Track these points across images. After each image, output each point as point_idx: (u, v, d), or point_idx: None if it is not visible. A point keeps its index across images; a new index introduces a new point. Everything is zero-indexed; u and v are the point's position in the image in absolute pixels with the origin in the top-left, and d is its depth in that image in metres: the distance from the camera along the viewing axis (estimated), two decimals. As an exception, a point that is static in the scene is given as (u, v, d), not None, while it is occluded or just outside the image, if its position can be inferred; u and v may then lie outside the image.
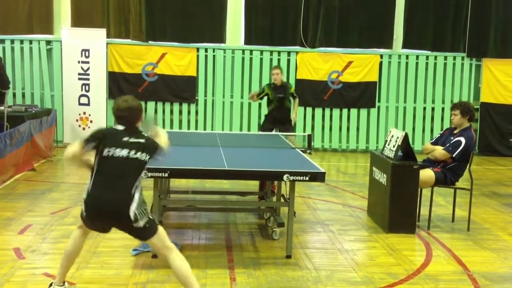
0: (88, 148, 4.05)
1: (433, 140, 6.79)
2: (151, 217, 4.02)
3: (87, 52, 11.48)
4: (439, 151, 6.38)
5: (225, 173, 5.12)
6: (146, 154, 4.04)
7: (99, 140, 4.05)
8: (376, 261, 5.32)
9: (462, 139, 6.31)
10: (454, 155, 6.27)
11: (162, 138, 4.27)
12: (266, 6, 12.28)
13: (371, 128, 12.74)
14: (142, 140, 4.06)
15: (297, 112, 8.95)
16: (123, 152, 3.97)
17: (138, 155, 3.99)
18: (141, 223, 3.91)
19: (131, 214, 3.86)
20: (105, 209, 3.94)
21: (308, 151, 6.51)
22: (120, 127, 4.11)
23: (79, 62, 11.51)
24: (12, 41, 11.92)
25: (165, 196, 6.64)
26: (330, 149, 12.76)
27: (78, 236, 4.21)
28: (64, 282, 4.25)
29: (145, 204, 4.02)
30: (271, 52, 12.40)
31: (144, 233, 3.99)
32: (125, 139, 4.01)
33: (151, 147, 4.09)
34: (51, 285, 4.24)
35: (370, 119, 12.73)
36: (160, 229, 4.07)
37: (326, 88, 12.50)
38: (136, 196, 3.92)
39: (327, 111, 12.64)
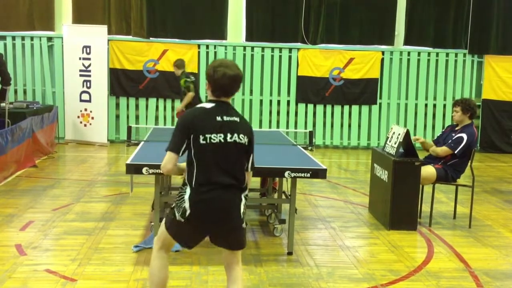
0: (182, 153, 3.42)
1: (434, 139, 6.79)
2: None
3: (88, 49, 11.47)
4: (441, 148, 6.38)
5: (227, 170, 5.11)
6: (245, 136, 3.44)
7: (189, 132, 3.36)
8: (378, 258, 5.32)
9: (464, 136, 6.30)
10: (456, 152, 6.26)
11: None
12: (267, 2, 12.27)
13: (372, 125, 12.73)
14: (236, 119, 3.45)
15: (182, 106, 9.27)
16: (225, 137, 3.36)
17: (239, 138, 3.41)
18: (243, 223, 3.51)
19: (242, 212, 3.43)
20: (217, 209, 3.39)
21: (310, 148, 6.51)
22: (210, 105, 3.43)
23: (80, 58, 11.51)
24: (14, 38, 11.91)
25: (167, 193, 6.64)
26: (332, 146, 12.76)
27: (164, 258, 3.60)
28: None
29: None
30: (272, 48, 12.38)
31: (243, 236, 3.58)
32: (219, 118, 3.38)
33: (248, 129, 3.51)
34: None
35: (371, 115, 12.72)
36: None
37: (328, 84, 12.49)
38: (245, 192, 3.49)
39: (329, 107, 12.63)
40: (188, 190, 3.37)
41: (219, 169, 3.35)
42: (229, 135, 3.36)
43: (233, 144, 3.38)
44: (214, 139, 3.33)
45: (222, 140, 3.34)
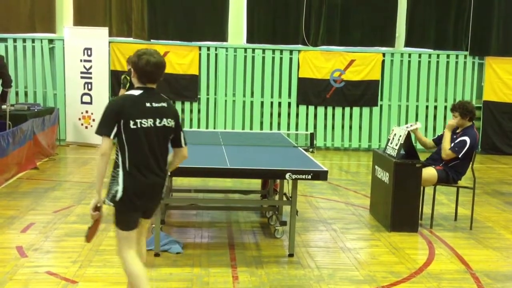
0: (113, 136, 3.54)
1: (435, 138, 6.79)
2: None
3: (89, 51, 11.48)
4: (445, 153, 6.35)
5: (228, 172, 5.13)
6: (171, 120, 3.68)
7: (119, 117, 3.52)
8: (379, 259, 5.32)
9: (467, 139, 6.28)
10: (460, 155, 6.24)
11: None
12: (268, 4, 12.27)
13: (373, 126, 12.73)
14: (164, 105, 3.68)
15: None
16: (153, 121, 3.58)
17: (167, 121, 3.64)
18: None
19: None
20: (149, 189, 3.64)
21: (311, 150, 6.51)
22: (137, 92, 3.63)
23: (81, 60, 11.52)
24: (15, 40, 11.93)
25: (168, 195, 6.64)
26: (333, 148, 12.76)
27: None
28: None
29: None
30: (273, 50, 12.39)
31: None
32: (148, 104, 3.60)
33: (174, 112, 3.74)
34: None
35: (372, 117, 12.71)
36: None
37: (329, 86, 12.49)
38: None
39: (330, 109, 12.63)
40: (121, 173, 3.57)
41: (150, 152, 3.58)
42: (158, 120, 3.61)
43: (162, 128, 3.63)
44: (144, 124, 3.55)
45: (152, 125, 3.58)
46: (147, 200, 3.66)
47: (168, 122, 3.65)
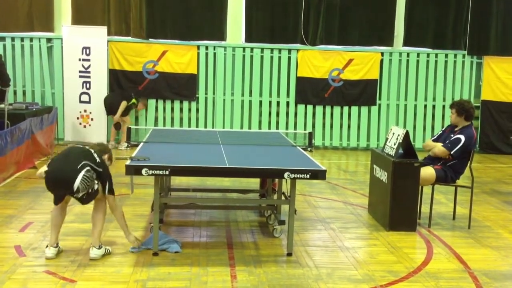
0: None
1: (434, 137, 6.80)
2: (91, 190, 4.87)
3: (87, 50, 11.48)
4: (438, 148, 6.39)
5: (226, 171, 5.13)
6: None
7: None
8: (377, 259, 5.32)
9: (462, 137, 6.31)
10: (452, 152, 6.27)
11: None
12: (267, 3, 12.27)
13: (372, 126, 12.74)
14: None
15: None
16: None
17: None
18: (80, 195, 4.80)
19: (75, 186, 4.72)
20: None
21: (309, 149, 6.51)
22: None
23: (79, 59, 11.50)
24: (13, 39, 11.91)
25: (166, 194, 6.64)
26: (331, 147, 12.76)
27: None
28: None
29: (92, 180, 4.81)
30: (272, 49, 12.39)
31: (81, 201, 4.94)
32: None
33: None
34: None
35: (371, 117, 12.72)
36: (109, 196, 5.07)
37: (327, 85, 12.49)
38: (83, 171, 4.75)
39: (328, 108, 12.63)
40: None
41: None
42: None
43: None
44: None
45: None
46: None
47: None
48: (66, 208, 5.16)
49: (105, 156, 5.25)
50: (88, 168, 4.81)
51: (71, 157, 4.92)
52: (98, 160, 4.99)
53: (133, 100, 11.62)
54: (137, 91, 12.01)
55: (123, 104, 11.35)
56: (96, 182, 4.91)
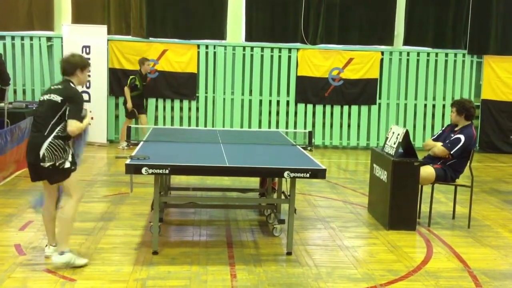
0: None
1: (434, 137, 6.80)
2: (59, 164, 4.58)
3: (87, 49, 11.47)
4: (438, 147, 6.40)
5: (226, 170, 5.13)
6: (60, 97, 4.61)
7: None
8: (377, 258, 5.33)
9: (462, 137, 6.32)
10: (452, 152, 6.27)
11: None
12: (267, 2, 12.26)
13: (371, 125, 12.74)
14: (61, 86, 4.72)
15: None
16: (45, 96, 4.67)
17: (53, 97, 4.62)
18: (46, 164, 4.54)
19: (41, 153, 4.51)
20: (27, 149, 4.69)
21: (309, 148, 6.51)
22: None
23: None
24: (13, 38, 11.91)
25: (166, 193, 6.64)
26: (331, 146, 12.76)
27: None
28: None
29: (62, 152, 4.58)
30: (272, 49, 12.39)
31: (49, 175, 4.65)
32: (53, 87, 4.76)
33: (66, 93, 4.65)
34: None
35: (371, 116, 12.72)
36: (76, 183, 4.78)
37: (327, 85, 12.49)
38: (50, 138, 4.53)
39: (328, 108, 12.63)
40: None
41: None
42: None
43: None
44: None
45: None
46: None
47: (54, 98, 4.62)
48: (54, 205, 4.92)
49: (76, 74, 4.84)
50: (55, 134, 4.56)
51: (40, 119, 4.66)
52: (63, 95, 4.64)
53: (131, 78, 11.07)
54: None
55: (126, 90, 11.08)
56: (67, 158, 4.61)
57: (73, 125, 4.61)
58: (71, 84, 4.81)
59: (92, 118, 11.50)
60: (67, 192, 4.76)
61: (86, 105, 11.83)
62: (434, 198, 6.64)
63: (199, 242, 5.57)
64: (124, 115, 11.44)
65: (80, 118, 4.71)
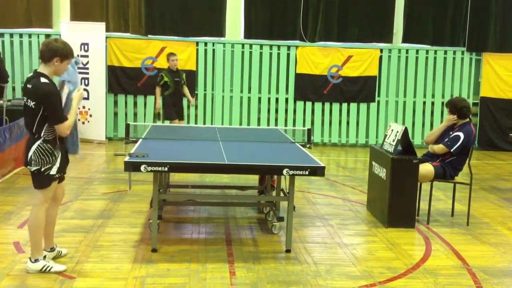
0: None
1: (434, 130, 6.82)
2: (45, 170, 4.36)
3: (86, 46, 11.45)
4: (437, 145, 6.40)
5: (225, 167, 5.12)
6: (32, 101, 4.26)
7: None
8: (376, 255, 5.33)
9: (461, 134, 6.32)
10: (452, 150, 6.28)
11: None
12: (266, 0, 12.25)
13: (370, 122, 12.74)
14: (30, 86, 4.30)
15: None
16: (24, 97, 4.37)
17: (28, 101, 4.29)
18: (32, 168, 4.37)
19: (29, 155, 4.35)
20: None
21: (308, 146, 6.52)
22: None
23: (78, 56, 11.47)
24: (11, 35, 11.89)
25: (165, 190, 6.64)
26: (330, 144, 12.77)
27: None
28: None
29: (50, 156, 4.37)
30: (271, 46, 12.38)
31: (33, 179, 4.44)
32: (27, 84, 4.34)
33: (37, 97, 4.25)
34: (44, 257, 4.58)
35: (369, 113, 12.72)
36: (48, 190, 4.45)
37: (326, 82, 12.49)
38: (39, 141, 4.31)
39: (327, 105, 12.63)
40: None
41: None
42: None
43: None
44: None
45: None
46: None
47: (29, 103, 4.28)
48: (56, 209, 4.78)
49: (53, 62, 4.32)
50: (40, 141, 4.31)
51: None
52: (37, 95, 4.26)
53: (159, 75, 10.22)
54: (137, 87, 11.98)
55: (157, 89, 10.16)
56: (55, 163, 4.38)
57: (61, 129, 4.32)
58: (41, 79, 4.26)
59: (90, 116, 11.55)
60: (34, 196, 4.53)
61: (84, 103, 11.95)
62: (433, 196, 6.64)
63: (198, 240, 5.57)
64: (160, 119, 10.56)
65: (63, 116, 4.31)
